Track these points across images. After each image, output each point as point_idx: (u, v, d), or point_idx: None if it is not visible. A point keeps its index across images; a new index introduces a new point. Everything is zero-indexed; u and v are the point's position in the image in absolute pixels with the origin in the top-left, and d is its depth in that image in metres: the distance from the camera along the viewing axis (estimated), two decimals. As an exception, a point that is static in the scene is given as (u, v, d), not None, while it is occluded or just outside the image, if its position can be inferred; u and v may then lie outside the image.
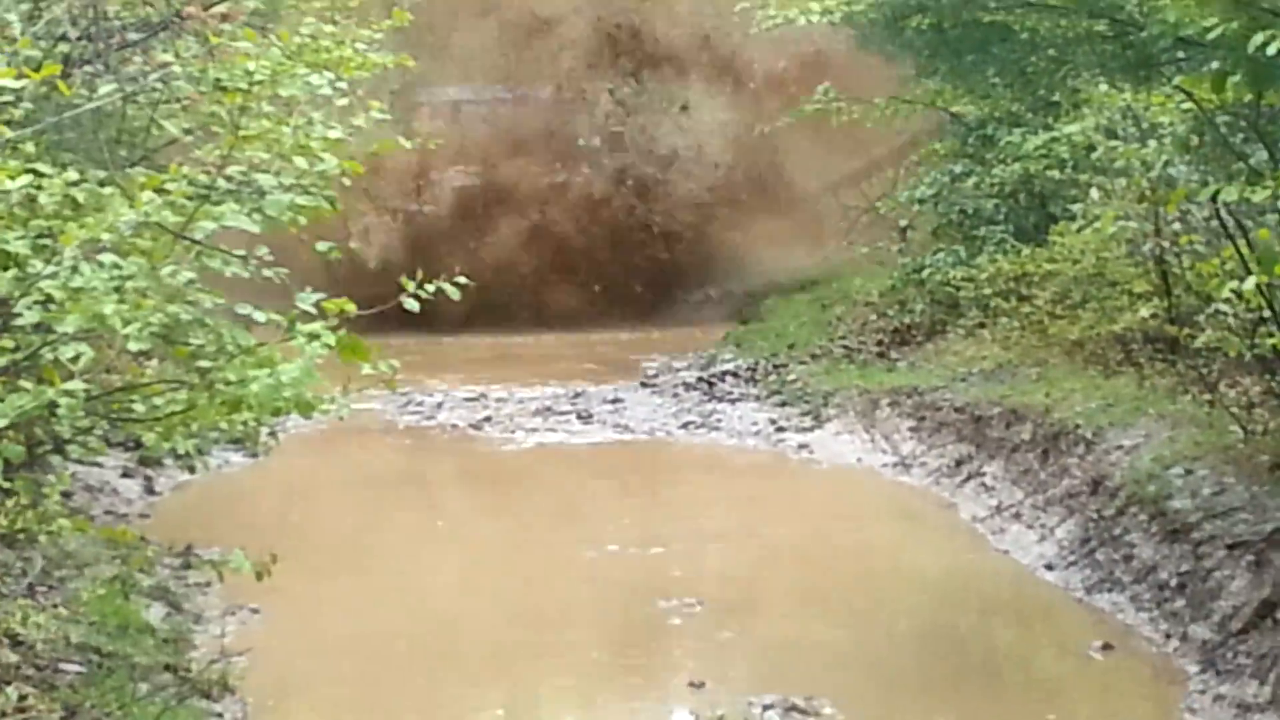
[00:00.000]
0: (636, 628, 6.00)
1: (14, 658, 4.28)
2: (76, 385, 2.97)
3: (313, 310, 3.19)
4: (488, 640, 5.68)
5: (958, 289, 9.30)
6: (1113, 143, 6.97)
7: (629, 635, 5.89)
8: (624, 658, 5.67)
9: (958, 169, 10.00)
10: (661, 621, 5.91)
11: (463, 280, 3.47)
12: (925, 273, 9.92)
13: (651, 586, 6.30)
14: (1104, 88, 6.62)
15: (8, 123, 3.23)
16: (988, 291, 8.77)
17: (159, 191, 3.04)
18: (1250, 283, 4.25)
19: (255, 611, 5.59)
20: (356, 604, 6.01)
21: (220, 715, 4.57)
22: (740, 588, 6.51)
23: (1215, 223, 5.89)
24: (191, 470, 5.93)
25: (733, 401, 10.19)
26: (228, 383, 3.25)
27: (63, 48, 4.52)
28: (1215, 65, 4.74)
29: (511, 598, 6.23)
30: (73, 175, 3.12)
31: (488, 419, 9.87)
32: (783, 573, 6.63)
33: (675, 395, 10.47)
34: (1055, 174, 8.38)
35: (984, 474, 7.33)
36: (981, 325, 9.02)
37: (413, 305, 3.33)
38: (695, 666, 5.26)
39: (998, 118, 9.49)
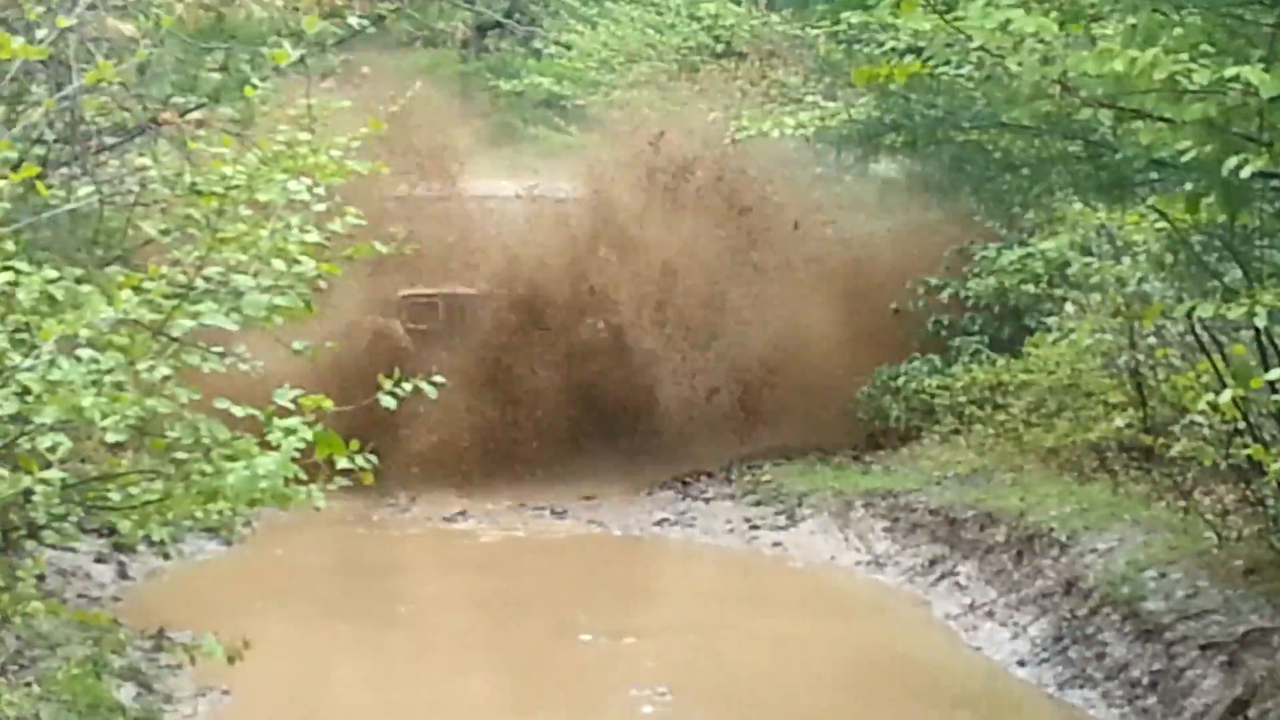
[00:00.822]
0: (608, 713, 6.09)
1: (-15, 736, 4.27)
2: (53, 474, 3.06)
3: (290, 405, 3.32)
4: (456, 727, 5.69)
5: (933, 396, 9.49)
6: (1088, 259, 7.24)
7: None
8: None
9: (933, 281, 10.36)
10: (633, 708, 5.94)
11: (439, 380, 3.70)
12: (900, 380, 10.13)
13: (623, 675, 6.39)
14: (1079, 206, 6.87)
15: (-14, 222, 3.36)
16: (963, 399, 8.98)
17: (137, 290, 3.18)
18: (1226, 395, 4.46)
19: (226, 693, 5.63)
20: (326, 689, 6.14)
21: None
22: (711, 677, 6.49)
23: (1190, 338, 6.14)
24: (166, 557, 6.18)
25: (707, 500, 10.23)
26: (203, 474, 3.41)
27: (40, 150, 4.70)
28: (1189, 186, 5.01)
29: (481, 685, 6.34)
30: (51, 273, 3.24)
31: (462, 513, 9.85)
32: (755, 664, 6.61)
33: (649, 494, 10.51)
34: (1030, 288, 8.66)
35: (958, 573, 7.40)
36: (956, 432, 9.16)
37: (389, 402, 3.51)
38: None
39: (973, 234, 9.89)
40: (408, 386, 3.54)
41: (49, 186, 3.92)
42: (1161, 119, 4.40)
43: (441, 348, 10.10)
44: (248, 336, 3.74)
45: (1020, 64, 4.34)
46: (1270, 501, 5.74)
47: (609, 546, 9.39)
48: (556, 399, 10.54)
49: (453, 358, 9.91)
